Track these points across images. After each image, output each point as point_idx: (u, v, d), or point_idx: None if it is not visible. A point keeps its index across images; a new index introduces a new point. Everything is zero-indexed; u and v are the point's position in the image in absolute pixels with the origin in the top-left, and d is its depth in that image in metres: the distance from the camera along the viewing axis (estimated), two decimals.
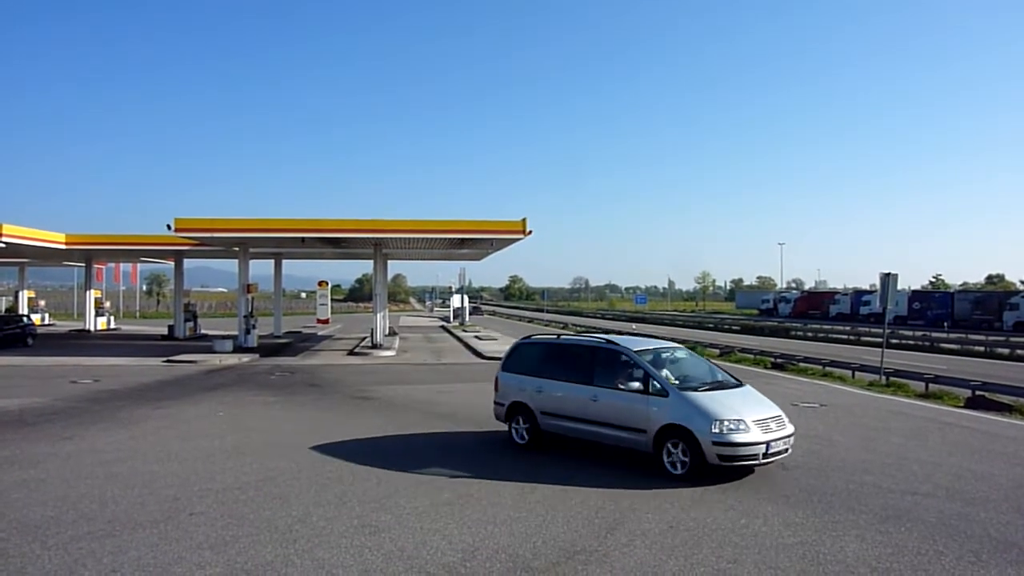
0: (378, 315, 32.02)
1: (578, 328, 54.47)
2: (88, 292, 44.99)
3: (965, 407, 16.34)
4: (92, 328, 43.44)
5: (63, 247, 33.71)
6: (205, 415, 14.16)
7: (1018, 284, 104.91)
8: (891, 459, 10.55)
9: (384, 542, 6.70)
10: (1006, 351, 33.41)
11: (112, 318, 48.65)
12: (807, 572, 6.06)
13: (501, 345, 33.87)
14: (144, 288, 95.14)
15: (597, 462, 10.10)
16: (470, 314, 67.79)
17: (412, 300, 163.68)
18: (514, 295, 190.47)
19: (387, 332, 37.24)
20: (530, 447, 11.01)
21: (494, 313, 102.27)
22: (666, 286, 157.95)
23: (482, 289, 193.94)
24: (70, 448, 10.84)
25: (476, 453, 10.73)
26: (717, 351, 31.63)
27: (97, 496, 8.14)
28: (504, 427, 11.70)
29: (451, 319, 64.96)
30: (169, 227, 25.49)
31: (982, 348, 35.40)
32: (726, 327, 59.22)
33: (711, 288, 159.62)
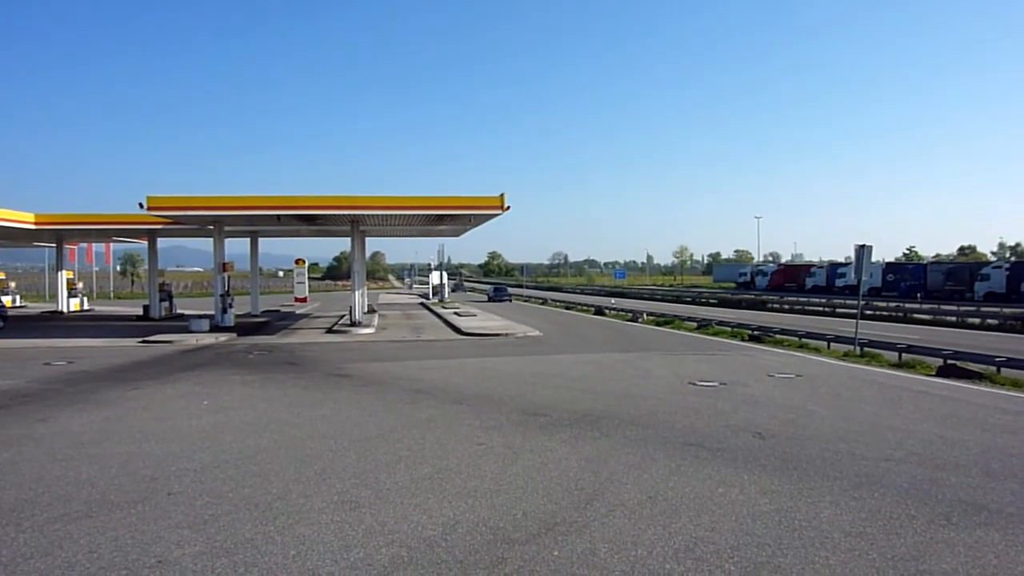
0: (356, 293, 31.87)
1: (558, 304, 54.67)
2: (60, 273, 44.34)
3: (937, 375, 16.63)
4: (65, 310, 42.86)
5: (32, 227, 33.11)
6: (182, 395, 14.05)
7: (989, 255, 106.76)
8: (865, 427, 10.72)
9: (364, 517, 6.71)
10: (977, 320, 34.04)
11: (85, 299, 48.00)
12: (783, 538, 6.16)
13: (480, 322, 33.90)
14: (118, 268, 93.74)
15: (579, 435, 10.16)
16: (451, 291, 66.64)
17: (391, 277, 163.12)
18: (493, 271, 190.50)
19: (366, 310, 37.07)
20: None
21: (473, 289, 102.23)
22: (644, 261, 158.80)
23: (461, 266, 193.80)
24: (44, 430, 10.70)
25: (456, 427, 10.74)
26: (695, 324, 31.89)
27: (73, 478, 8.06)
28: (484, 401, 11.72)
29: (430, 296, 64.87)
30: (141, 205, 25.06)
31: (954, 318, 36.05)
32: (704, 300, 59.71)
33: (689, 262, 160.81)
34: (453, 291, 79.68)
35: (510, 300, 63.07)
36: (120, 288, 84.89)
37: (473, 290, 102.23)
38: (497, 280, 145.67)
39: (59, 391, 14.48)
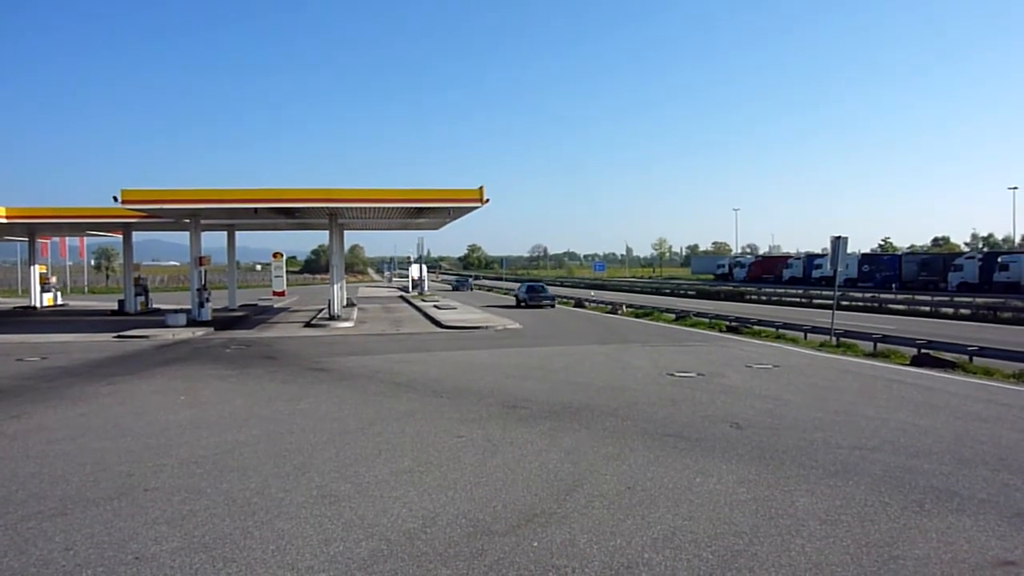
0: (335, 286, 31.68)
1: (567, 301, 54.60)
2: (33, 267, 43.65)
3: (911, 365, 16.86)
4: (38, 305, 42.20)
5: (4, 221, 32.52)
6: (159, 390, 13.92)
7: (962, 246, 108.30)
8: (841, 416, 10.86)
9: (344, 511, 6.69)
10: (950, 310, 34.54)
11: (59, 294, 47.31)
12: (759, 526, 6.23)
13: (461, 315, 33.87)
14: (92, 263, 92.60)
15: (559, 427, 10.20)
16: (454, 289, 62.29)
17: (370, 271, 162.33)
18: (473, 264, 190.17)
19: (344, 303, 36.91)
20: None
21: (491, 289, 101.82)
22: (624, 253, 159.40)
23: (441, 259, 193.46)
24: (17, 427, 10.56)
25: (435, 420, 10.74)
26: (673, 316, 32.07)
27: (47, 474, 7.96)
28: (464, 394, 11.74)
29: (410, 289, 64.68)
30: (116, 199, 24.73)
31: (928, 308, 36.54)
32: (682, 292, 60.05)
33: (668, 254, 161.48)
34: (455, 289, 72.07)
35: (552, 305, 41.58)
36: (95, 283, 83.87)
37: (491, 290, 74.30)
38: (476, 272, 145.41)
39: (33, 387, 14.29)
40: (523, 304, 41.94)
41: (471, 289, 74.66)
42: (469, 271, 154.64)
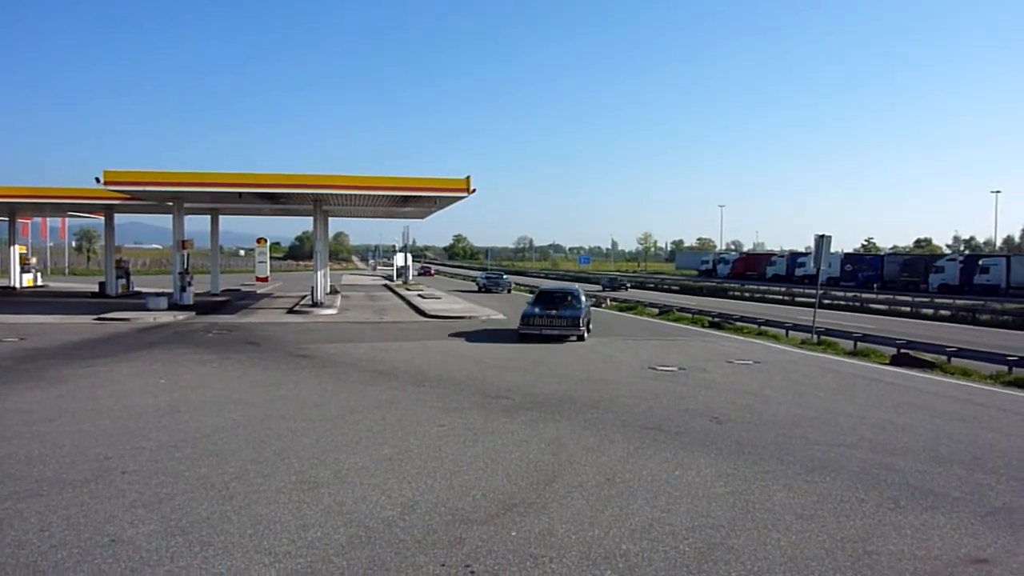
0: (319, 273, 31.52)
1: (522, 288, 54.71)
2: (12, 248, 43.07)
3: (890, 364, 17.04)
4: (17, 285, 41.69)
5: None
6: (138, 373, 13.80)
7: (944, 248, 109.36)
8: (819, 413, 10.96)
9: (323, 497, 6.68)
10: (930, 311, 34.94)
11: (39, 275, 46.80)
12: (736, 519, 6.28)
13: (444, 304, 33.84)
14: (73, 244, 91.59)
15: (540, 418, 10.21)
16: (486, 289, 49.64)
17: (355, 258, 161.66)
18: (458, 254, 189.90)
19: (328, 290, 36.75)
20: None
21: (438, 272, 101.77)
22: (609, 247, 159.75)
23: (426, 248, 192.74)
24: None
25: (417, 409, 10.73)
26: (656, 310, 32.20)
27: (23, 456, 7.88)
28: (446, 384, 11.72)
29: (394, 277, 64.50)
30: (98, 180, 24.43)
31: (908, 308, 36.95)
32: (666, 287, 60.34)
33: (653, 249, 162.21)
34: (486, 291, 50.32)
35: (509, 291, 47.22)
36: (75, 264, 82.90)
37: (438, 273, 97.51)
38: (461, 263, 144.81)
39: (10, 368, 14.12)
40: (483, 289, 50.67)
41: (508, 291, 50.67)
42: (454, 261, 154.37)
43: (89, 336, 19.75)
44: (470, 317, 27.75)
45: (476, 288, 52.93)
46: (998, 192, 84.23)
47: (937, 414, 11.17)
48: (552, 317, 19.93)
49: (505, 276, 60.03)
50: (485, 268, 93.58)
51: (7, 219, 44.26)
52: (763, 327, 24.25)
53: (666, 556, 5.47)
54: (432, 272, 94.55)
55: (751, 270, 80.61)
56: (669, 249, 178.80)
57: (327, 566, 5.20)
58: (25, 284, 42.54)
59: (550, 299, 21.80)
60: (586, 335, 20.29)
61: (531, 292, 34.17)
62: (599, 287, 55.87)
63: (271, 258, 54.07)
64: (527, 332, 19.94)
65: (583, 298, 22.36)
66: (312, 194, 28.35)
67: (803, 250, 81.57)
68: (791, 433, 9.56)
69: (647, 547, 5.63)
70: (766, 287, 54.84)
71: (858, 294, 44.75)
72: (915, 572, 5.29)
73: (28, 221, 52.34)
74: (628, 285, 59.59)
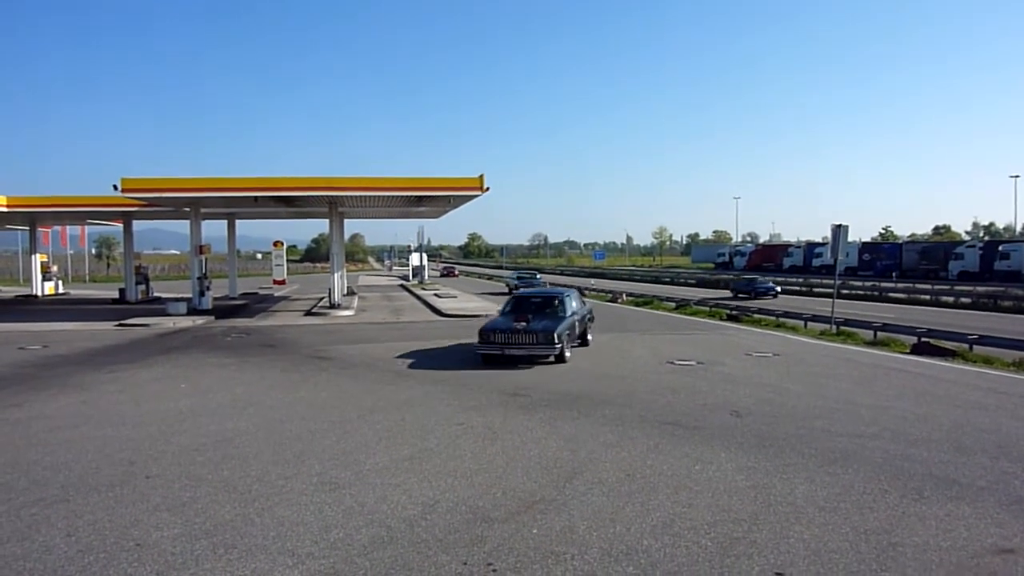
0: (335, 274, 31.64)
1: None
2: (34, 256, 43.58)
3: (911, 353, 16.87)
4: (39, 293, 42.18)
5: (4, 210, 32.45)
6: (159, 378, 13.94)
7: (963, 235, 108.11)
8: (840, 404, 10.88)
9: (344, 498, 6.72)
10: (951, 299, 34.52)
11: (60, 283, 47.27)
12: (758, 513, 6.25)
13: (460, 303, 33.86)
14: (93, 251, 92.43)
15: (558, 414, 10.21)
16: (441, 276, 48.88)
17: (371, 259, 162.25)
18: (473, 252, 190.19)
19: (345, 291, 36.88)
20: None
21: (461, 273, 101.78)
22: (624, 242, 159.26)
23: (441, 247, 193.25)
24: (19, 415, 10.59)
25: (436, 408, 10.76)
26: (673, 304, 32.08)
27: (49, 462, 7.99)
28: (464, 382, 11.74)
29: (410, 277, 64.64)
30: (116, 187, 24.67)
31: (928, 297, 36.51)
32: (682, 281, 60.02)
33: (668, 243, 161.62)
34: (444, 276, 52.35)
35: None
36: (96, 271, 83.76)
37: (491, 279, 69.14)
38: (477, 261, 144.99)
39: (34, 375, 14.31)
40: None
41: None
42: (469, 260, 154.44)
43: (110, 342, 19.96)
44: (486, 316, 27.74)
45: (507, 291, 44.29)
46: (1017, 177, 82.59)
47: (959, 403, 11.05)
48: (517, 332, 15.13)
49: (539, 275, 52.44)
50: (513, 267, 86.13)
51: (28, 228, 44.82)
52: (781, 319, 24.09)
53: (688, 551, 5.46)
54: (456, 272, 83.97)
55: (768, 261, 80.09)
56: (684, 243, 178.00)
57: (350, 567, 5.24)
58: (47, 292, 43.02)
59: (523, 308, 17.00)
60: (567, 355, 15.41)
61: None
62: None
63: (288, 261, 54.40)
64: (486, 352, 15.30)
65: (573, 304, 17.75)
66: (327, 196, 28.45)
67: (820, 240, 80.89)
68: (812, 425, 9.50)
69: (668, 543, 5.62)
70: (783, 278, 54.37)
71: (877, 283, 44.28)
72: (940, 563, 5.24)
73: (48, 230, 52.92)
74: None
